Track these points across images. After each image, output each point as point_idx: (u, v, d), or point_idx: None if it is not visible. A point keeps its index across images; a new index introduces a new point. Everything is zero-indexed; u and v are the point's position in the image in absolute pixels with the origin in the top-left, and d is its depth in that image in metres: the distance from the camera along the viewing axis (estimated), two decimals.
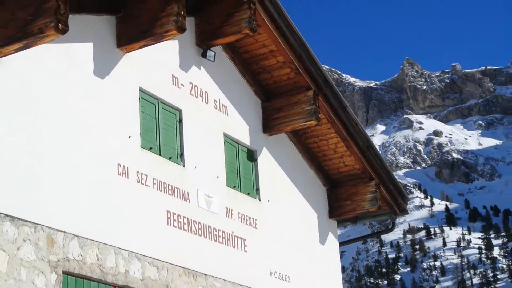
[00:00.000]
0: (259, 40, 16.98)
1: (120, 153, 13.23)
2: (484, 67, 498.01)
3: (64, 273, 11.53)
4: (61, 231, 11.59)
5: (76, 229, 11.88)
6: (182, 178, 14.80)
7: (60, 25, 10.76)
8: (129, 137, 13.53)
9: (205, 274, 14.87)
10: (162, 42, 14.37)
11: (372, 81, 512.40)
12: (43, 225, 11.26)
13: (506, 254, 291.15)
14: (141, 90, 14.28)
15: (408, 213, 24.06)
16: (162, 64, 15.05)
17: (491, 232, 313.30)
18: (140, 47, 14.02)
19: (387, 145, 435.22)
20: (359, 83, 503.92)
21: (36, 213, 11.15)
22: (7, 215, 10.59)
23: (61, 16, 10.79)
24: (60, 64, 12.44)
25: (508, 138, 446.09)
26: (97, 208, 12.46)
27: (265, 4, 15.89)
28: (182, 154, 15.01)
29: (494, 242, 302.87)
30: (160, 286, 13.52)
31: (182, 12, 13.52)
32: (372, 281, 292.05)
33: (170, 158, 14.64)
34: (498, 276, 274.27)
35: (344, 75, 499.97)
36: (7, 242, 10.48)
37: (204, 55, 16.10)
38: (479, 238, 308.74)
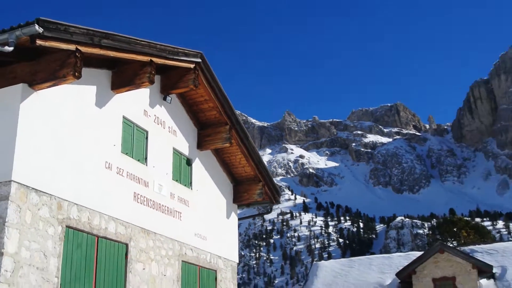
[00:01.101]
0: (199, 93, 17.14)
1: (108, 155, 13.30)
2: (331, 119, 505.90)
3: (66, 226, 11.50)
4: (66, 200, 11.60)
5: (76, 200, 11.89)
6: (145, 173, 14.80)
7: (76, 73, 10.95)
8: (114, 145, 13.64)
9: (154, 233, 14.80)
10: (139, 89, 14.51)
11: (265, 122, 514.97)
12: (55, 196, 11.29)
13: (336, 230, 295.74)
14: (124, 117, 14.26)
15: (280, 203, 24.60)
16: (138, 102, 15.06)
17: (328, 218, 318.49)
18: (126, 91, 14.05)
19: (271, 162, 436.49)
20: (257, 123, 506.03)
21: (52, 188, 11.22)
22: (33, 188, 10.73)
23: (77, 68, 10.97)
24: (75, 98, 12.42)
25: (342, 162, 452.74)
26: (91, 188, 12.46)
27: (204, 71, 16.27)
28: (146, 158, 15.02)
29: (330, 223, 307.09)
30: (126, 238, 13.51)
31: (153, 72, 13.77)
32: (256, 242, 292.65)
33: (138, 160, 14.63)
34: (331, 244, 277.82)
35: (249, 117, 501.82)
36: (32, 205, 10.62)
37: (164, 98, 16.25)
38: (321, 220, 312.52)
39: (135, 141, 14.71)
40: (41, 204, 10.88)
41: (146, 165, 15.01)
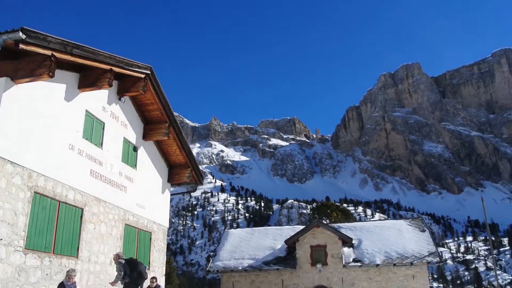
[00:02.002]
0: (146, 96, 16.75)
1: (71, 139, 12.86)
2: (246, 125, 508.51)
3: (34, 192, 11.11)
4: (36, 172, 11.16)
5: (44, 172, 11.46)
6: (100, 154, 14.35)
7: (50, 73, 10.64)
8: (77, 132, 13.20)
9: (105, 201, 14.41)
10: (100, 90, 14.03)
11: (197, 123, 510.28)
12: (27, 168, 10.87)
13: (244, 207, 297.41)
14: (86, 111, 13.80)
15: (203, 184, 24.60)
16: (98, 100, 14.53)
17: (239, 198, 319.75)
18: (89, 90, 13.59)
19: (199, 153, 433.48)
20: (191, 123, 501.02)
21: (24, 161, 10.82)
22: (9, 160, 10.37)
23: (52, 69, 10.66)
24: (48, 92, 11.92)
25: (251, 157, 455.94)
26: (56, 163, 12.02)
27: (152, 81, 15.95)
28: (102, 143, 14.56)
29: (240, 202, 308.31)
30: (82, 204, 13.20)
31: (112, 78, 13.46)
32: (184, 213, 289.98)
33: (96, 144, 14.17)
34: (240, 217, 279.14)
35: (184, 118, 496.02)
36: (7, 174, 10.25)
37: (119, 99, 15.76)
38: (233, 199, 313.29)
39: (94, 130, 14.26)
40: (15, 173, 10.51)
41: (102, 149, 14.59)
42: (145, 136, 18.00)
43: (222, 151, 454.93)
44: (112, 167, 15.20)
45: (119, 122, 15.99)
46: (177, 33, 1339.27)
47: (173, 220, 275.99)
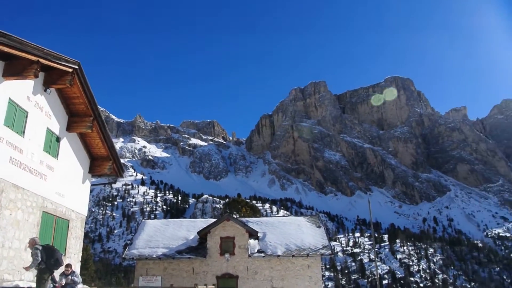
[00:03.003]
0: (73, 90, 15.76)
1: None
2: (169, 124, 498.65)
3: None
4: None
5: None
6: (21, 143, 13.28)
7: None
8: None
9: (23, 188, 13.35)
10: (26, 80, 12.98)
11: (122, 119, 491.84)
12: None
13: (162, 200, 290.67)
14: (10, 99, 12.72)
15: (124, 177, 23.52)
16: (23, 89, 13.46)
17: (158, 191, 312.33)
18: (14, 79, 12.52)
19: (123, 148, 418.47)
20: (116, 119, 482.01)
21: None
22: None
23: None
24: None
25: (172, 154, 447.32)
26: None
27: (79, 75, 14.98)
28: (24, 132, 13.47)
29: (159, 195, 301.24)
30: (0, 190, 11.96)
31: (38, 69, 12.53)
32: (104, 203, 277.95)
33: (17, 132, 13.13)
34: (158, 209, 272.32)
35: (111, 114, 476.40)
36: None
37: (45, 90, 14.68)
38: (153, 192, 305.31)
39: (16, 118, 13.17)
40: None
41: (23, 137, 13.53)
42: (69, 128, 16.98)
43: (144, 146, 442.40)
44: (33, 156, 14.15)
45: (43, 112, 14.93)
46: (110, 29, 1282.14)
47: (93, 209, 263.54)
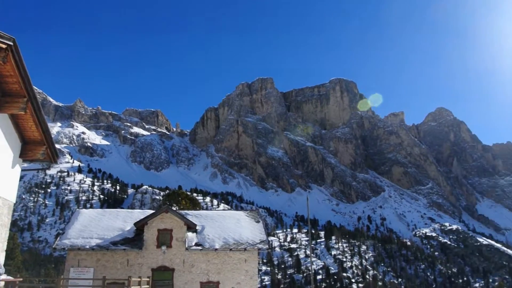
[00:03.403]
0: (6, 68, 14.79)
1: None
2: (111, 111, 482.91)
3: None
4: None
5: None
6: None
7: None
8: None
9: None
10: None
11: (61, 103, 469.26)
12: None
13: (99, 189, 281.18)
14: None
15: (58, 163, 22.47)
16: None
17: (95, 179, 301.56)
18: None
19: (60, 133, 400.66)
20: (54, 102, 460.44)
21: None
22: None
23: None
24: None
25: (112, 142, 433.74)
26: None
27: (13, 52, 14.05)
28: None
29: (96, 183, 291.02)
30: None
31: None
32: (36, 190, 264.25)
33: None
34: (94, 198, 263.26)
35: (48, 96, 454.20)
36: None
37: None
38: (90, 180, 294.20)
39: None
40: None
41: None
42: (1, 108, 15.95)
43: (83, 133, 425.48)
44: None
45: None
46: (54, 7, 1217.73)
47: (23, 196, 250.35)
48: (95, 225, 29.09)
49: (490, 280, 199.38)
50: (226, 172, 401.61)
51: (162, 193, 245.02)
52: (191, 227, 27.87)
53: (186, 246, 27.00)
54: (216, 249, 27.00)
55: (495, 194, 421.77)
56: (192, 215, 30.86)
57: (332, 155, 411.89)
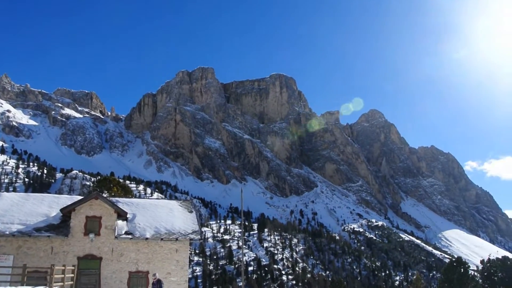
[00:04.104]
0: None
1: None
2: (40, 90, 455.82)
3: None
4: None
5: None
6: None
7: None
8: None
9: None
10: None
11: None
12: None
13: (24, 172, 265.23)
14: None
15: None
16: None
17: (20, 161, 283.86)
18: None
19: None
20: None
21: None
22: None
23: None
24: None
25: (41, 123, 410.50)
26: None
27: None
28: None
29: (21, 166, 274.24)
30: None
31: None
32: None
33: None
34: (19, 182, 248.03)
35: None
36: None
37: None
38: (14, 162, 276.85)
39: None
40: None
41: None
42: None
43: (9, 111, 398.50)
44: None
45: None
46: None
47: None
48: (17, 210, 27.53)
49: (410, 274, 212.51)
50: (161, 160, 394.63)
51: (93, 179, 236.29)
52: (121, 215, 27.19)
53: (116, 234, 26.33)
54: (147, 238, 26.56)
55: (418, 194, 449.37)
56: (123, 202, 30.11)
57: (269, 149, 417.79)
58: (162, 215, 29.30)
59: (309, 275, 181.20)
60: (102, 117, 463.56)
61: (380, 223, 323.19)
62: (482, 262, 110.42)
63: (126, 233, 26.77)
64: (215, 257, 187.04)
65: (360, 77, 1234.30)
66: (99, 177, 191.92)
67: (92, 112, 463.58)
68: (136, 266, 26.36)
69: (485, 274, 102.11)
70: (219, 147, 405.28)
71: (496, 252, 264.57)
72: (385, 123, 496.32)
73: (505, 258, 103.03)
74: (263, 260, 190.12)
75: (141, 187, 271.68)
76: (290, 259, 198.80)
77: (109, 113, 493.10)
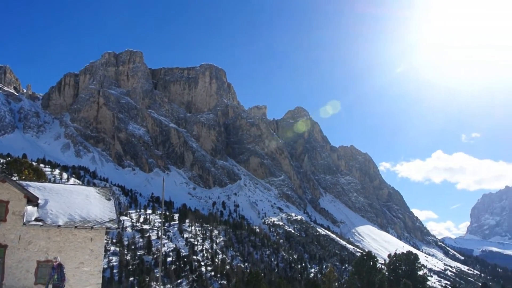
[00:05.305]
0: None
1: None
2: None
3: None
4: None
5: None
6: None
7: None
8: None
9: None
10: None
11: None
12: None
13: None
14: None
15: None
16: None
17: None
18: None
19: None
20: None
21: None
22: None
23: None
24: None
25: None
26: None
27: None
28: None
29: None
30: None
31: None
32: None
33: None
34: None
35: None
36: None
37: None
38: None
39: None
40: None
41: None
42: None
43: None
44: None
45: None
46: None
47: None
48: None
49: (324, 266, 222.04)
50: (80, 144, 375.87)
51: (2, 161, 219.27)
52: (32, 200, 25.36)
53: (24, 220, 24.52)
54: (59, 226, 25.03)
55: (335, 191, 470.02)
56: (35, 187, 28.09)
57: (195, 139, 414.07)
58: (77, 201, 27.73)
59: (228, 267, 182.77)
60: (16, 94, 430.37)
61: (299, 217, 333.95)
62: (389, 256, 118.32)
63: (37, 219, 25.01)
64: (133, 247, 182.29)
65: (288, 76, 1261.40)
66: (9, 158, 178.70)
67: (5, 88, 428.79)
68: (45, 255, 24.77)
69: (391, 267, 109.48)
70: (143, 134, 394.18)
71: (402, 247, 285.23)
72: (309, 121, 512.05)
73: (409, 252, 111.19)
74: (183, 251, 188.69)
75: (57, 171, 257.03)
76: (210, 251, 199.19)
77: (25, 91, 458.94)
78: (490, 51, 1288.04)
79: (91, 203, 28.05)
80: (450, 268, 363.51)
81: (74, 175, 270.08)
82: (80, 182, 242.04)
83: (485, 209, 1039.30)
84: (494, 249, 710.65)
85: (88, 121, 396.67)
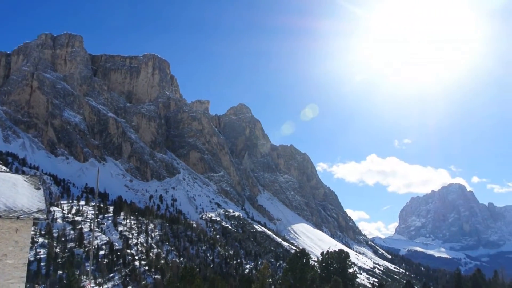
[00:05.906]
0: None
1: None
2: None
3: None
4: None
5: None
6: None
7: None
8: None
9: None
10: None
11: None
12: None
13: None
14: None
15: None
16: None
17: None
18: None
19: None
20: None
21: None
22: None
23: None
24: None
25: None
26: None
27: None
28: None
29: None
30: None
31: None
32: None
33: None
34: None
35: None
36: None
37: None
38: None
39: None
40: None
41: None
42: None
43: None
44: None
45: None
46: None
47: None
48: None
49: (259, 262, 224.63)
50: (9, 129, 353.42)
51: None
52: None
53: None
54: None
55: (274, 188, 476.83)
56: None
57: (134, 130, 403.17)
58: (2, 189, 25.82)
59: (162, 261, 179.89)
60: None
61: (236, 213, 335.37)
62: (322, 254, 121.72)
63: None
64: (63, 239, 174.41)
65: (232, 72, 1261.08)
66: None
67: None
68: None
69: (323, 264, 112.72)
70: (79, 122, 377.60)
71: (335, 245, 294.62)
72: (251, 119, 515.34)
73: (340, 251, 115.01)
74: (116, 244, 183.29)
75: None
76: (145, 244, 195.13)
77: None
78: (422, 60, 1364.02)
79: (18, 192, 26.23)
80: (378, 266, 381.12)
81: (1, 162, 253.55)
82: (8, 170, 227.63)
83: (412, 212, 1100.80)
84: (419, 249, 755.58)
85: (19, 105, 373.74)
